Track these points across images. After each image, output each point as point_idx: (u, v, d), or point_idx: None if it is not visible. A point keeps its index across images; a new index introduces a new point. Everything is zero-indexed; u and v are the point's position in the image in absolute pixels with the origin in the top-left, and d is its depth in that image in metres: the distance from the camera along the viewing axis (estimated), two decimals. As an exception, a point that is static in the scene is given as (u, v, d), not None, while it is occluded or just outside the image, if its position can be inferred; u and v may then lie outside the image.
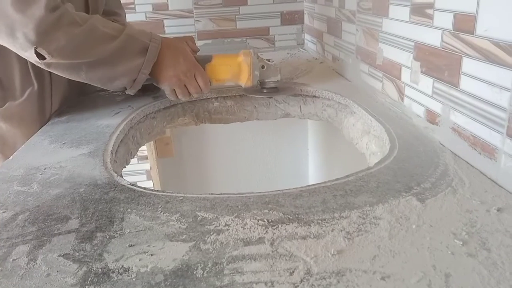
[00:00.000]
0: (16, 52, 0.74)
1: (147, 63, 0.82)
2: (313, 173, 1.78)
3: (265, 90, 0.97)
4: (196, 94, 0.90)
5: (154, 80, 0.88)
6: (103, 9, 1.02)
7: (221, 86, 1.03)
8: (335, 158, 1.48)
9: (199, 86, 0.88)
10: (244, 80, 0.94)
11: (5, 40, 0.72)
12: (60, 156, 0.69)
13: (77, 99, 1.02)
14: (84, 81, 0.81)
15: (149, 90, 0.98)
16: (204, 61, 0.91)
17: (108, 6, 1.06)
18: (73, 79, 0.80)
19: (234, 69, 0.93)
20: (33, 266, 0.42)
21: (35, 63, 0.75)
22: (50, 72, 0.89)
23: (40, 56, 0.72)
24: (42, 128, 0.84)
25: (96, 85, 0.84)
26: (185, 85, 0.87)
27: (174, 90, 0.88)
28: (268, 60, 0.95)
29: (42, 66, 0.76)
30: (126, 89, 0.86)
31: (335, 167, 1.47)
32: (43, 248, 0.45)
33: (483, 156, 0.55)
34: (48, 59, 0.73)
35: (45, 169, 0.64)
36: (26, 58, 0.75)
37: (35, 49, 0.71)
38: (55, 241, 0.46)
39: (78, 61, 0.76)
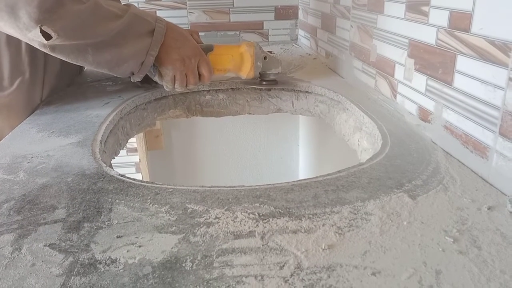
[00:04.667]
0: (18, 35, 0.72)
1: (154, 44, 0.80)
2: (303, 168, 1.78)
3: (264, 82, 0.97)
4: (193, 86, 0.89)
5: (151, 69, 0.85)
6: None
7: (219, 78, 1.01)
8: (325, 154, 1.48)
9: (202, 74, 0.87)
10: (246, 71, 0.92)
11: (7, 22, 0.69)
12: (48, 144, 0.68)
13: (67, 89, 1.00)
14: (91, 66, 0.79)
15: (148, 82, 0.95)
16: (206, 50, 0.89)
17: None
18: (80, 64, 0.78)
19: (236, 59, 0.92)
20: (17, 255, 0.41)
21: (38, 46, 0.73)
22: (44, 59, 0.87)
23: (45, 36, 0.70)
24: (30, 116, 0.83)
25: (104, 71, 0.81)
26: (186, 74, 0.85)
27: (174, 76, 0.85)
28: (270, 52, 0.95)
29: (46, 50, 0.73)
30: (133, 74, 0.84)
31: (326, 163, 1.47)
32: (29, 237, 0.44)
33: (475, 155, 0.55)
34: (54, 38, 0.70)
35: (32, 157, 0.63)
36: (28, 41, 0.72)
37: (40, 28, 0.68)
38: (41, 230, 0.45)
39: (84, 41, 0.74)
